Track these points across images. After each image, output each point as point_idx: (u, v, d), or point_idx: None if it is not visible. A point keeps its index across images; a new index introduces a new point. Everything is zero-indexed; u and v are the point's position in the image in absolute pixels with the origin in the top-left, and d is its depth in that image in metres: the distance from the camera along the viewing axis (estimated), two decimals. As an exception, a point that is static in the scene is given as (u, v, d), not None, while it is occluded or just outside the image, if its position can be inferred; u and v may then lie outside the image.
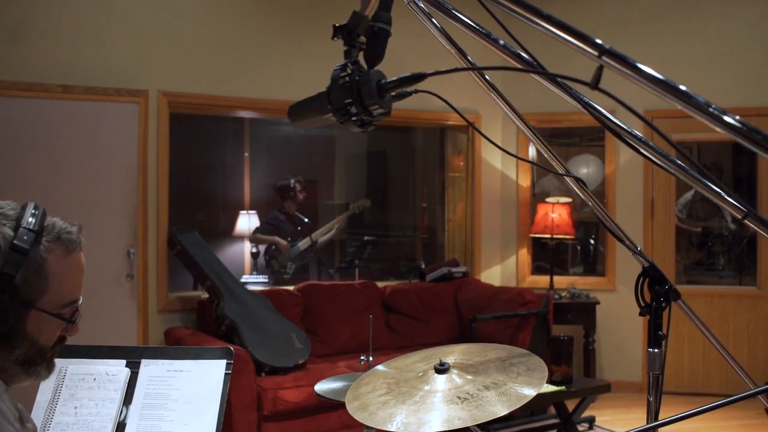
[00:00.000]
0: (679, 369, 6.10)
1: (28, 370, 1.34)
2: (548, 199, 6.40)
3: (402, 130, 7.78)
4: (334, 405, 3.02)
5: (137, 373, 1.73)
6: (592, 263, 7.10)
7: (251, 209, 7.03)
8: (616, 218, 6.42)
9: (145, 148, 5.01)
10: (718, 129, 0.82)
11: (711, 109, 0.80)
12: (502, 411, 1.46)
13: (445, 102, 1.26)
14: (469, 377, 1.58)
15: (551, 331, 5.41)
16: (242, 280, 5.89)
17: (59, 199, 4.64)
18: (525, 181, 6.60)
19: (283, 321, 4.92)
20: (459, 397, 1.51)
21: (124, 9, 5.02)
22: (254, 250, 6.68)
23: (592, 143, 6.78)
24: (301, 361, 4.69)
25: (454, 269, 6.13)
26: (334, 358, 5.14)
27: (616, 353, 6.27)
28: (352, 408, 1.59)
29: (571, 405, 4.66)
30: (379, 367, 1.76)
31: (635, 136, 1.15)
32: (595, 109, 1.13)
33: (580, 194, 1.43)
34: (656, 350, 1.35)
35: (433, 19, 1.24)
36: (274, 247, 6.68)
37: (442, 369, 1.60)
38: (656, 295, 1.38)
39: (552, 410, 4.97)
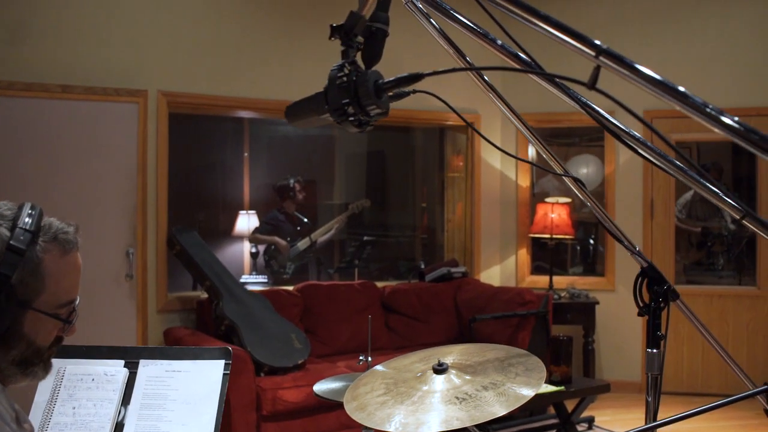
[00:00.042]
0: (678, 369, 6.10)
1: (24, 370, 1.34)
2: (548, 199, 6.40)
3: (401, 130, 7.78)
4: (333, 405, 3.01)
5: (135, 373, 1.72)
6: (592, 263, 7.10)
7: (251, 209, 7.03)
8: (615, 218, 6.40)
9: (144, 148, 5.01)
10: (715, 130, 0.82)
11: (708, 110, 0.80)
12: (500, 411, 1.46)
13: (444, 102, 1.26)
14: (468, 377, 1.57)
15: (550, 331, 5.41)
16: (242, 280, 5.89)
17: (59, 199, 4.64)
18: (524, 181, 6.60)
19: (282, 321, 4.92)
20: (457, 398, 1.51)
21: (123, 9, 5.02)
22: (254, 250, 6.67)
23: (592, 143, 6.78)
24: (300, 361, 4.68)
25: (453, 269, 6.13)
26: (333, 358, 5.14)
27: (616, 353, 6.27)
28: (350, 408, 1.59)
29: (570, 405, 4.66)
30: (378, 367, 1.76)
31: (633, 137, 1.15)
32: (593, 109, 1.13)
33: (579, 194, 1.43)
34: (655, 351, 1.35)
35: (431, 20, 1.24)
36: (273, 247, 6.68)
37: (440, 369, 1.60)
38: (655, 295, 1.38)
39: (551, 410, 4.97)
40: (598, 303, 6.03)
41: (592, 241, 7.14)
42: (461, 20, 1.15)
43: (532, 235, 6.47)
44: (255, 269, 6.71)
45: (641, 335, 6.07)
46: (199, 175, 7.36)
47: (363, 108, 1.11)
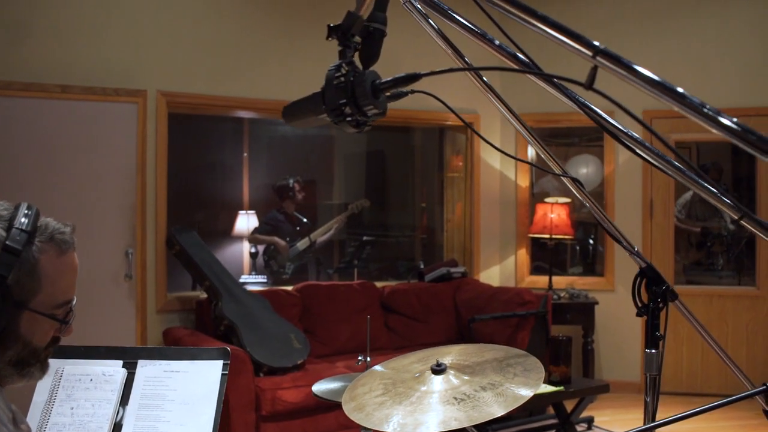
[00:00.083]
0: (678, 369, 6.10)
1: (21, 371, 1.33)
2: (547, 200, 6.40)
3: (401, 130, 7.78)
4: (332, 405, 3.01)
5: (134, 373, 1.72)
6: (591, 263, 7.10)
7: (250, 209, 7.03)
8: (615, 218, 6.40)
9: (143, 148, 5.01)
10: (713, 130, 0.82)
11: (705, 110, 0.80)
12: (498, 412, 1.46)
13: (442, 103, 1.26)
14: (466, 378, 1.57)
15: (550, 331, 5.40)
16: (241, 280, 5.89)
17: (58, 199, 4.64)
18: (524, 182, 6.60)
19: (281, 321, 4.91)
20: (455, 398, 1.51)
21: (123, 9, 5.02)
22: (253, 250, 6.67)
23: (591, 143, 6.78)
24: (299, 362, 4.68)
25: (452, 269, 6.13)
26: (332, 358, 5.14)
27: (615, 353, 6.27)
28: (348, 409, 1.59)
29: (569, 405, 4.66)
30: (376, 367, 1.76)
31: (632, 137, 1.14)
32: (592, 109, 1.13)
33: (578, 195, 1.42)
34: (653, 351, 1.35)
35: (430, 20, 1.24)
36: (272, 247, 6.68)
37: (438, 370, 1.60)
38: (653, 295, 1.37)
39: (550, 410, 4.97)
40: (597, 303, 6.03)
41: (591, 241, 7.14)
42: (459, 20, 1.15)
43: (531, 235, 6.47)
44: (254, 269, 6.71)
45: (641, 335, 6.07)
46: (199, 175, 7.36)
47: (360, 108, 1.11)
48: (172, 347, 1.86)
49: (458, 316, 5.83)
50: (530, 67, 1.13)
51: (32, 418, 1.62)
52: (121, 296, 4.93)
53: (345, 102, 1.11)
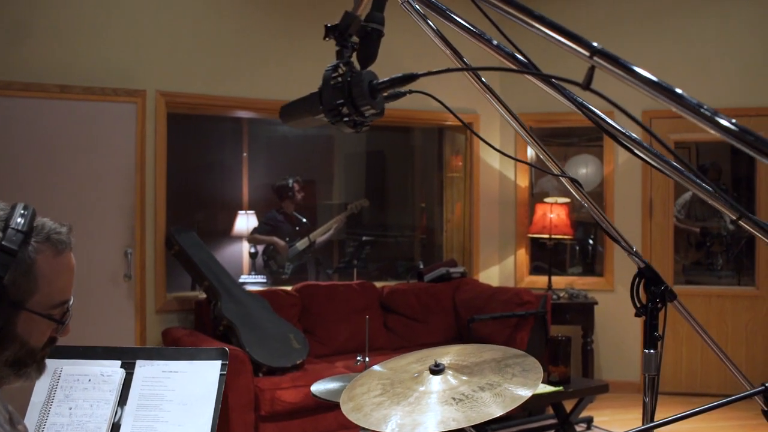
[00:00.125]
0: (677, 369, 6.10)
1: (18, 371, 1.33)
2: (546, 200, 6.40)
3: (400, 130, 7.77)
4: (331, 405, 3.01)
5: (132, 373, 1.72)
6: (591, 263, 7.10)
7: (249, 209, 7.02)
8: (614, 219, 6.39)
9: (142, 148, 5.01)
10: (710, 131, 0.81)
11: (703, 110, 0.80)
12: (497, 412, 1.46)
13: (441, 103, 1.26)
14: (464, 378, 1.57)
15: (549, 331, 5.40)
16: (240, 280, 5.89)
17: (57, 199, 4.64)
18: (523, 182, 6.60)
19: (280, 321, 4.91)
20: (454, 398, 1.51)
21: (122, 9, 5.02)
22: (252, 250, 6.67)
23: (591, 143, 6.78)
24: (298, 362, 4.68)
25: (452, 269, 6.13)
26: (332, 358, 5.14)
27: (615, 353, 6.27)
28: (346, 409, 1.59)
29: (569, 405, 4.66)
30: (375, 367, 1.76)
31: (630, 137, 1.14)
32: (590, 110, 1.13)
33: (576, 195, 1.42)
34: (652, 351, 1.35)
35: (428, 20, 1.24)
36: (272, 247, 6.67)
37: (437, 370, 1.60)
38: (652, 296, 1.37)
39: (550, 410, 4.97)
40: (596, 303, 6.03)
41: (591, 242, 7.14)
42: (457, 21, 1.15)
43: (530, 236, 6.47)
44: (254, 269, 6.71)
45: (640, 335, 6.02)
46: (198, 175, 7.36)
47: (357, 108, 1.10)
48: (171, 347, 1.86)
49: (457, 316, 5.82)
50: (528, 68, 1.13)
51: (30, 419, 1.62)
52: (120, 296, 4.93)
53: (342, 102, 1.11)
